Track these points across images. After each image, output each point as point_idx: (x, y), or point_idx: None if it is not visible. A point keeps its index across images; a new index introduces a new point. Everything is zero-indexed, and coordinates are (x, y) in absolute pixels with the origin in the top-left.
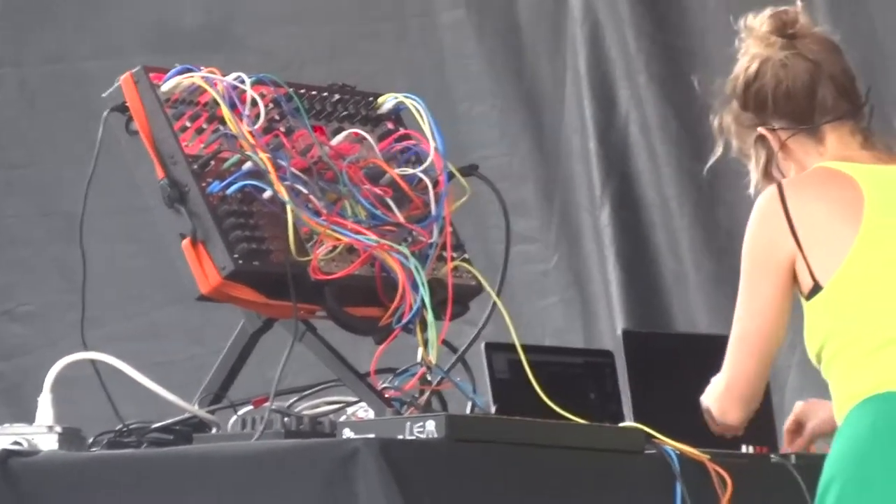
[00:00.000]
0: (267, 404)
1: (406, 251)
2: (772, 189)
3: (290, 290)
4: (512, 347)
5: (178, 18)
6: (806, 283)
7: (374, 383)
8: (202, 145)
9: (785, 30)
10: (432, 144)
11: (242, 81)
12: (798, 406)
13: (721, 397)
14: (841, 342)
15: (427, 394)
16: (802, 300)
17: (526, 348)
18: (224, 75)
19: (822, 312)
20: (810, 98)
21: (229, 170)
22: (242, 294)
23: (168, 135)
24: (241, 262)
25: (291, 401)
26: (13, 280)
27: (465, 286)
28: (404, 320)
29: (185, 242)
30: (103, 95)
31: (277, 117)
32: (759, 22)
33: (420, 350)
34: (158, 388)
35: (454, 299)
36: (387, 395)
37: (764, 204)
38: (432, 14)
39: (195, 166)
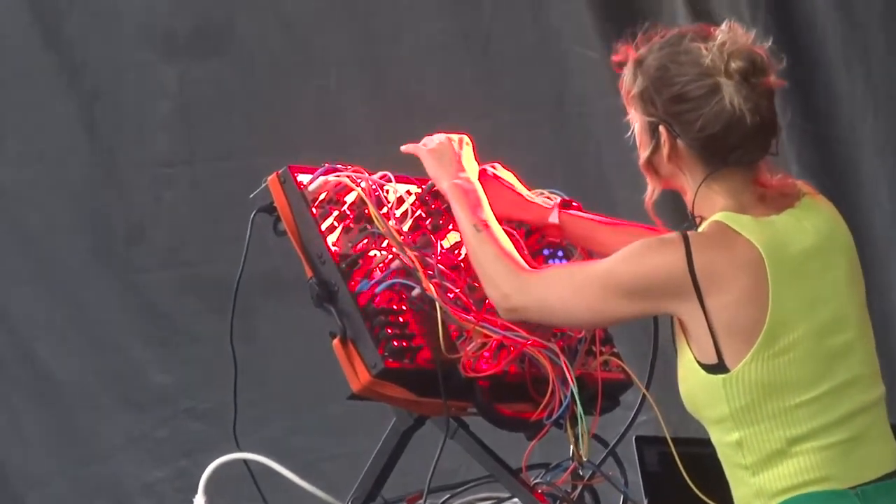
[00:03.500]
0: (420, 502)
1: (555, 347)
2: (675, 237)
3: (441, 388)
4: (664, 440)
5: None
6: (704, 353)
7: (527, 479)
8: (349, 244)
9: (750, 74)
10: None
11: (389, 180)
12: None
13: (524, 286)
14: (754, 431)
15: (579, 489)
16: (686, 357)
17: (677, 441)
18: (371, 173)
19: (726, 393)
20: (734, 137)
21: (377, 268)
22: (393, 392)
23: (315, 235)
24: (390, 360)
25: (445, 497)
26: (194, 378)
27: (614, 380)
28: (555, 416)
29: (335, 341)
30: (251, 196)
31: (424, 214)
32: (738, 50)
33: (571, 445)
34: (312, 487)
35: (604, 393)
36: (539, 491)
37: (670, 242)
38: (588, 103)
39: (343, 266)
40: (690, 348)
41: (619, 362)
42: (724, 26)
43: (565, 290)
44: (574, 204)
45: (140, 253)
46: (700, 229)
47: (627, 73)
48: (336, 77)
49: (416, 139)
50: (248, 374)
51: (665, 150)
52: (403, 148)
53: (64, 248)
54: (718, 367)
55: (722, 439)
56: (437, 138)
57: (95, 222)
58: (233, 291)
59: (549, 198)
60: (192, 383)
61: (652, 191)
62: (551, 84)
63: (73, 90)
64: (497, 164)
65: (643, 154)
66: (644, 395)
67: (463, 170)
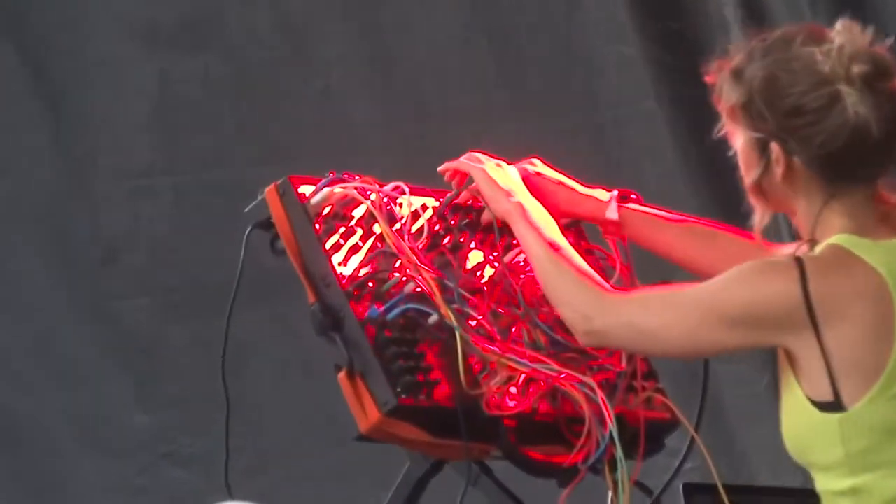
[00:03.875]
0: None
1: (591, 382)
2: (788, 261)
3: (461, 428)
4: (714, 488)
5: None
6: (817, 390)
7: None
8: (357, 265)
9: (874, 78)
10: (619, 259)
11: (403, 192)
12: None
13: (610, 308)
14: (872, 478)
15: None
16: (794, 394)
17: (729, 489)
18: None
19: (842, 435)
20: (859, 151)
21: (389, 292)
22: (407, 433)
23: (319, 254)
24: (404, 396)
25: None
26: (177, 419)
27: (659, 420)
28: (591, 460)
29: (341, 375)
30: (245, 211)
31: (442, 231)
32: (858, 53)
33: (610, 493)
34: None
35: (647, 435)
36: None
37: (783, 267)
38: (625, 106)
39: (351, 289)
40: (800, 384)
41: (665, 399)
42: (838, 26)
43: (659, 315)
44: (633, 196)
45: (114, 276)
46: (815, 253)
47: (725, 84)
48: (339, 76)
49: (430, 146)
50: (238, 415)
51: (779, 169)
52: (443, 167)
53: (27, 271)
54: (834, 406)
55: (832, 486)
56: (478, 157)
57: (63, 241)
58: (224, 321)
59: (605, 190)
60: (175, 425)
61: (761, 217)
62: (583, 85)
63: (37, 89)
64: (535, 160)
65: (751, 175)
66: (692, 438)
67: (520, 189)
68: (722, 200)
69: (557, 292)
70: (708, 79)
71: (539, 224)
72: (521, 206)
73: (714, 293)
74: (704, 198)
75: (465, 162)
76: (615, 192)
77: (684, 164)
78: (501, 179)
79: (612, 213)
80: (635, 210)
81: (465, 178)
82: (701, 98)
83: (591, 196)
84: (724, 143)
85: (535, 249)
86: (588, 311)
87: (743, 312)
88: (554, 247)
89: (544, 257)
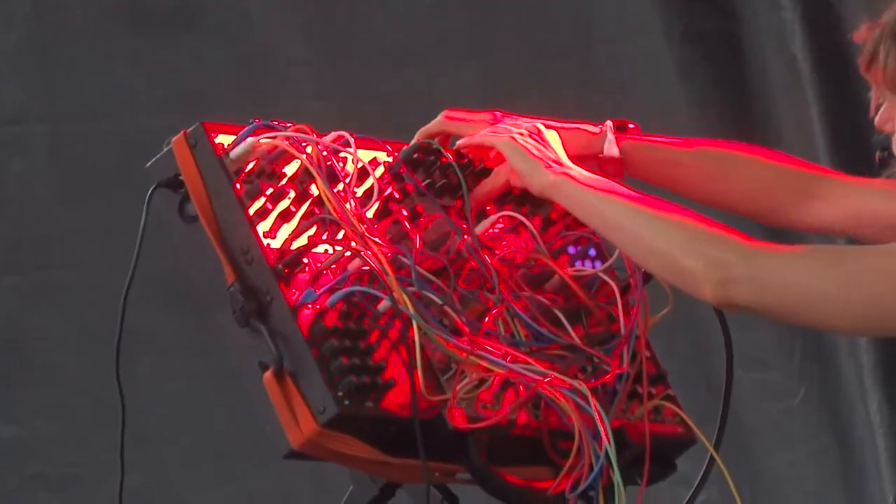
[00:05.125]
0: None
1: (584, 387)
2: None
3: (419, 444)
4: None
5: None
6: None
7: None
8: (288, 236)
9: None
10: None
11: (347, 144)
12: None
13: (756, 256)
14: None
15: None
16: None
17: None
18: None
19: None
20: None
21: (328, 271)
22: (350, 448)
23: (240, 221)
24: (347, 403)
25: None
26: (51, 431)
27: (669, 435)
28: (581, 486)
29: (268, 375)
30: (147, 166)
31: (397, 193)
32: None
33: None
34: None
35: (654, 454)
36: None
37: None
38: (624, 44)
39: (280, 266)
40: None
41: (677, 409)
42: None
43: (830, 277)
44: (630, 126)
45: None
46: None
47: (881, 47)
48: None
49: (377, 89)
50: (131, 426)
51: None
52: (463, 144)
53: None
54: None
55: None
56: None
57: None
58: (119, 306)
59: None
60: (46, 440)
61: None
62: (574, 20)
63: None
64: (497, 113)
65: None
66: (712, 457)
67: (562, 155)
68: None
69: (673, 243)
70: (856, 37)
71: (606, 186)
72: (569, 174)
73: None
74: None
75: (488, 135)
76: (609, 123)
77: (701, 118)
78: (534, 147)
79: (611, 149)
80: (638, 140)
81: (499, 158)
82: (727, 34)
83: (579, 129)
84: (749, 92)
85: (614, 209)
86: (727, 257)
87: None
88: (643, 201)
89: (635, 212)
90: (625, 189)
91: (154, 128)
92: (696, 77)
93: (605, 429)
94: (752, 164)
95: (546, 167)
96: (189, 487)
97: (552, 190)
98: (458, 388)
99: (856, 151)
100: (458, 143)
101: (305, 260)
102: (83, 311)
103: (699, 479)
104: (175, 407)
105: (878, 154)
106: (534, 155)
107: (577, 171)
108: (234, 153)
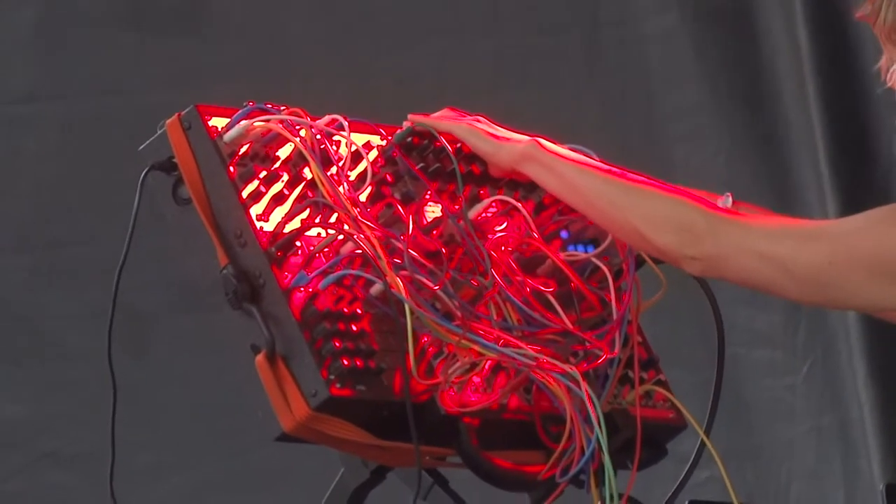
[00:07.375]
0: None
1: (575, 372)
2: None
3: (411, 427)
4: None
5: None
6: None
7: None
8: (282, 219)
9: None
10: None
11: (341, 127)
12: None
13: (728, 229)
14: None
15: None
16: None
17: None
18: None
19: None
20: None
21: (321, 254)
22: (341, 432)
23: (233, 204)
24: (338, 386)
25: None
26: (61, 410)
27: (661, 420)
28: (573, 470)
29: (260, 358)
30: (140, 149)
31: (390, 177)
32: None
33: None
34: None
35: (645, 439)
36: None
37: None
38: (632, 24)
39: (273, 250)
40: None
41: (668, 394)
42: None
43: (800, 249)
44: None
45: None
46: None
47: (887, 7)
48: None
49: (379, 70)
50: (138, 405)
51: None
52: (417, 118)
53: None
54: None
55: None
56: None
57: None
58: (113, 286)
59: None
60: (58, 417)
61: None
62: None
63: None
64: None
65: None
66: (702, 442)
67: (521, 134)
68: (759, 143)
69: (646, 217)
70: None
71: (575, 160)
72: (536, 143)
73: (878, 241)
74: (738, 139)
75: (441, 122)
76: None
77: (712, 97)
78: (493, 129)
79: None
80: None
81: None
82: (740, 11)
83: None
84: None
85: (585, 180)
86: (697, 229)
87: None
88: (614, 173)
89: (608, 182)
90: (595, 161)
91: (166, 105)
92: (710, 56)
93: (595, 413)
94: None
95: (511, 140)
96: (199, 464)
97: (523, 160)
98: (449, 372)
99: (851, 128)
100: (412, 116)
101: (298, 243)
102: (95, 288)
103: (689, 463)
104: (187, 387)
105: None
106: (494, 135)
107: (543, 143)
108: (227, 136)
